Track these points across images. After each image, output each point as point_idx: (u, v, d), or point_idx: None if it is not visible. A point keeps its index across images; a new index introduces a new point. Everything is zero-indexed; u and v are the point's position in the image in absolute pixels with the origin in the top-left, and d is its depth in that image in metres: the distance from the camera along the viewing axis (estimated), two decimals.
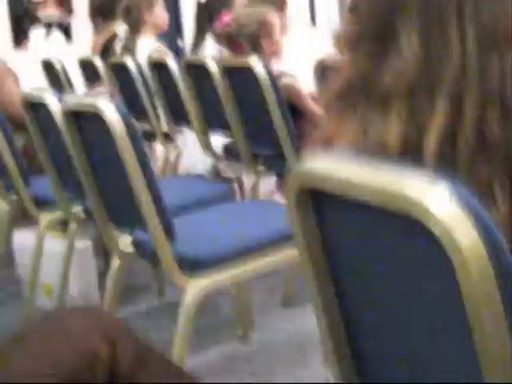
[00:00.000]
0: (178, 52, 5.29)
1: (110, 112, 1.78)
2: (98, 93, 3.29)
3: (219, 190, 2.75)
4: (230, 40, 2.99)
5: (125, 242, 2.01)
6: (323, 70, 2.45)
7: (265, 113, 2.78)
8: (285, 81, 2.98)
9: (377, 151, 0.84)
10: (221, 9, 3.81)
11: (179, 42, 6.11)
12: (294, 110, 2.97)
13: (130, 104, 3.30)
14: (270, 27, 3.03)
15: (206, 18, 3.97)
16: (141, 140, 1.86)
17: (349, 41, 0.91)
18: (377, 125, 0.85)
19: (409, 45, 0.84)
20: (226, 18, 3.10)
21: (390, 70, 0.85)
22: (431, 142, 0.80)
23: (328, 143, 0.91)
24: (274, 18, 3.07)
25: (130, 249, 2.00)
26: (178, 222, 1.92)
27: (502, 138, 0.80)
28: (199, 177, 3.20)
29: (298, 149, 2.76)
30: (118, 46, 3.98)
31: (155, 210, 1.82)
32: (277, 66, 3.06)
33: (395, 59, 0.84)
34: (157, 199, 1.83)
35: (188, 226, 2.05)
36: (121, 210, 2.03)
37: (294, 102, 2.99)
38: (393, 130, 0.83)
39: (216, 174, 3.49)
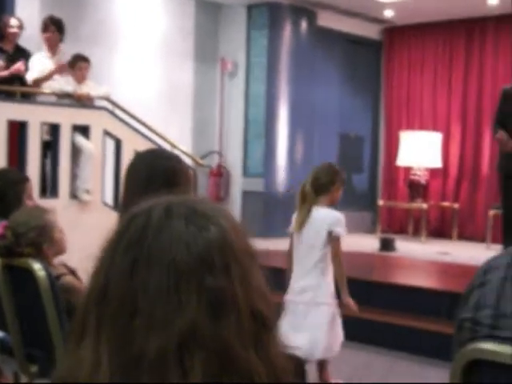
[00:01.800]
0: None
1: None
2: None
3: None
4: (10, 249, 2.81)
5: None
6: None
7: (42, 315, 2.71)
8: (65, 280, 2.87)
9: None
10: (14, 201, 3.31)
11: None
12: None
13: None
14: (50, 230, 2.90)
15: None
16: None
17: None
18: None
19: None
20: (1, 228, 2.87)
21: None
22: None
23: None
24: (51, 217, 2.94)
25: None
26: None
27: None
28: None
29: None
30: None
31: None
32: (59, 261, 2.97)
33: None
34: None
35: None
36: None
37: (77, 302, 2.89)
38: None
39: None
